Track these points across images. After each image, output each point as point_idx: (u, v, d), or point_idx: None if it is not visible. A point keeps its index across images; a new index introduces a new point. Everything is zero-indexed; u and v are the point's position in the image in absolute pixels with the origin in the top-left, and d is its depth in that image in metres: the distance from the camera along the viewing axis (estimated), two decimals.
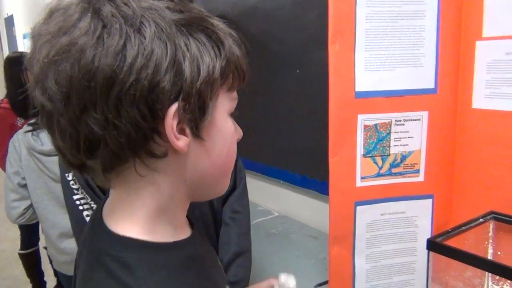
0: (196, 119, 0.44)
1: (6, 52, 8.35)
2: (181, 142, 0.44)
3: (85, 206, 0.87)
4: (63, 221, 1.63)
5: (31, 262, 2.60)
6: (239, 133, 0.53)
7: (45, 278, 2.69)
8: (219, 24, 0.47)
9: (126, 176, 0.45)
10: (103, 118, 0.40)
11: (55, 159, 1.64)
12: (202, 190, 0.52)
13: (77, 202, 0.88)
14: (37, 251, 2.60)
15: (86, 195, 0.87)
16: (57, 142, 0.44)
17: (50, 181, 1.65)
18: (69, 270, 1.75)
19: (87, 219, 0.87)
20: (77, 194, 0.88)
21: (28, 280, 2.65)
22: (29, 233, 2.52)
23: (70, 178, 0.88)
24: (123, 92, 0.40)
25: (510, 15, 0.97)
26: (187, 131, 0.44)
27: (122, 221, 0.47)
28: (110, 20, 0.40)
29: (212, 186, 0.52)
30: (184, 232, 0.52)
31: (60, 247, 1.68)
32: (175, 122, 0.42)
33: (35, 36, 0.43)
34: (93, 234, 0.49)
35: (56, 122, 0.42)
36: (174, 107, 0.42)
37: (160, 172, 0.45)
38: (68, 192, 0.89)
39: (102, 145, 0.42)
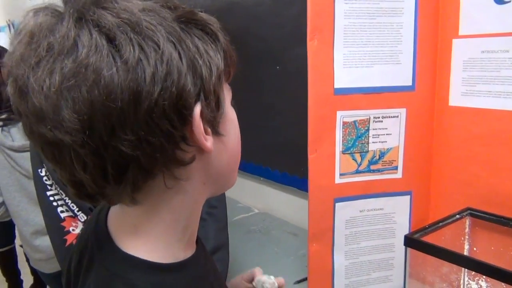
0: (215, 116, 0.44)
1: None
2: (209, 142, 0.43)
3: (59, 202, 0.85)
4: (36, 218, 1.59)
5: (7, 261, 2.54)
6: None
7: (22, 277, 2.64)
8: (202, 14, 0.45)
9: (151, 191, 0.43)
10: (135, 138, 0.37)
11: (27, 155, 1.59)
12: (218, 186, 0.51)
13: (51, 198, 0.85)
14: (13, 249, 2.53)
15: (60, 191, 0.85)
16: (73, 177, 0.40)
17: (22, 177, 1.61)
18: (45, 268, 1.71)
19: (62, 215, 0.85)
20: (50, 190, 0.86)
21: (3, 279, 2.59)
22: (4, 231, 2.45)
23: (43, 173, 0.86)
24: (153, 105, 0.37)
25: (485, 14, 0.98)
26: (209, 130, 0.43)
27: (136, 239, 0.45)
28: (114, 32, 0.36)
29: (228, 180, 0.51)
30: (191, 247, 0.51)
31: (34, 244, 1.64)
32: (201, 123, 0.41)
33: (17, 63, 0.37)
34: (99, 250, 0.47)
35: (74, 154, 0.38)
36: (198, 108, 0.40)
37: (186, 180, 0.44)
38: (41, 188, 0.87)
39: (132, 166, 0.39)
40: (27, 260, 2.49)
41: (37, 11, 0.39)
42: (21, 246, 2.56)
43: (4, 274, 2.58)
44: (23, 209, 1.63)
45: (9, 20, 5.56)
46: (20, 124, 1.60)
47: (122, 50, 0.36)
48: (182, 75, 0.38)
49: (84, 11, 0.37)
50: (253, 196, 1.99)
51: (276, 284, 0.78)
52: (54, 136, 0.37)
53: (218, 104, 0.44)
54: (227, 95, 0.47)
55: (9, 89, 0.39)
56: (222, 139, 0.46)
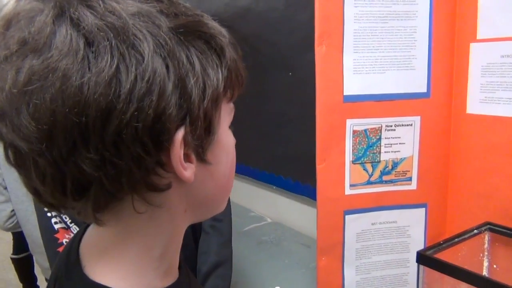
0: (202, 143, 0.38)
1: None
2: (188, 171, 0.37)
3: (53, 213, 0.83)
4: None
5: (24, 267, 2.57)
6: (233, 141, 0.47)
7: (38, 283, 2.66)
8: (213, 24, 0.40)
9: (119, 213, 0.38)
10: (98, 158, 0.33)
11: None
12: (203, 213, 0.46)
13: (45, 209, 0.84)
14: (30, 256, 2.56)
15: None
16: (33, 183, 0.36)
17: None
18: None
19: (55, 226, 0.83)
20: None
21: (21, 285, 2.62)
22: (21, 238, 2.48)
23: None
24: (123, 125, 0.32)
25: (505, 16, 0.92)
26: (193, 157, 0.38)
27: (106, 265, 0.40)
28: (96, 35, 0.32)
29: (215, 208, 0.46)
30: (172, 274, 0.45)
31: (42, 250, 1.64)
32: (182, 151, 0.36)
33: None
34: (67, 278, 0.42)
35: (33, 162, 0.34)
36: (180, 134, 0.35)
37: (161, 207, 0.39)
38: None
39: (94, 186, 0.34)
40: None
41: None
42: None
43: (21, 280, 2.62)
44: (32, 213, 1.63)
45: None
46: None
47: (99, 57, 0.31)
48: (165, 95, 0.33)
49: (66, 6, 0.33)
50: (265, 205, 1.95)
51: None
52: (12, 140, 0.33)
53: (208, 130, 0.38)
54: (224, 118, 0.42)
55: None
56: (209, 168, 0.41)
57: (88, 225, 0.46)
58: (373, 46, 0.98)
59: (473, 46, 0.99)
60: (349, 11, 0.96)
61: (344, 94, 0.99)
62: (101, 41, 0.32)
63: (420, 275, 0.90)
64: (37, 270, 2.66)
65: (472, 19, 0.98)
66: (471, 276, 0.81)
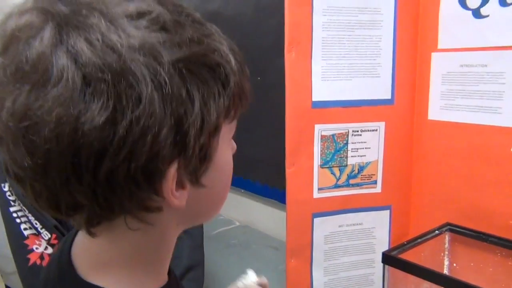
0: (196, 170, 0.38)
1: None
2: (179, 199, 0.38)
3: (23, 219, 0.82)
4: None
5: None
6: (234, 148, 0.47)
7: None
8: (221, 46, 0.38)
9: (112, 228, 0.39)
10: (90, 191, 0.34)
11: None
12: (193, 224, 0.47)
13: (14, 215, 0.82)
14: None
15: (23, 207, 0.81)
16: (29, 198, 0.37)
17: None
18: (19, 284, 1.66)
19: (25, 232, 0.81)
20: (13, 205, 0.82)
21: None
22: None
23: (6, 188, 0.82)
24: (116, 166, 0.33)
25: (464, 28, 0.97)
26: (186, 183, 0.38)
27: (99, 269, 0.41)
28: (93, 75, 0.31)
29: (205, 219, 0.48)
30: (161, 279, 0.47)
31: (4, 253, 1.60)
32: (174, 183, 0.36)
33: None
34: (60, 281, 0.43)
35: (29, 183, 0.35)
36: (173, 169, 0.35)
37: (153, 224, 0.40)
38: (4, 203, 0.83)
39: (87, 209, 0.36)
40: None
41: (25, 10, 0.34)
42: None
43: None
44: None
45: None
46: None
47: (95, 100, 0.31)
48: (159, 138, 0.33)
49: (64, 35, 0.32)
50: (234, 209, 1.96)
51: (253, 278, 0.75)
52: (10, 165, 0.35)
53: (204, 158, 0.38)
54: (223, 138, 0.41)
55: None
56: (204, 191, 0.41)
57: (77, 230, 0.46)
58: (341, 54, 1.01)
59: (434, 56, 1.03)
60: (318, 20, 0.99)
61: (313, 100, 1.01)
62: (98, 82, 0.31)
63: (386, 275, 0.94)
64: None
65: (434, 29, 1.02)
66: (433, 275, 0.85)
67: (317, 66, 1.00)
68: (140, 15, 0.34)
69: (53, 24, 0.32)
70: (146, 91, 0.32)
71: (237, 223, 1.88)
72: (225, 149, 0.43)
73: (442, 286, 0.87)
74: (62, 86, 0.31)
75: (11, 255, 1.59)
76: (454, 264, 1.04)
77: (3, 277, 1.70)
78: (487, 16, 0.94)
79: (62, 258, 0.44)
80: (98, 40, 0.32)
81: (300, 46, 0.99)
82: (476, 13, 0.95)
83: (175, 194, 0.37)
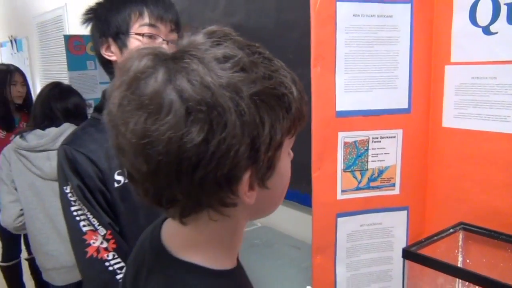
0: (264, 176, 0.49)
1: None
2: (250, 198, 0.48)
3: (82, 217, 0.91)
4: (47, 224, 1.69)
5: (13, 275, 2.59)
6: (291, 156, 0.56)
7: None
8: (285, 79, 0.48)
9: (198, 218, 0.50)
10: (186, 190, 0.45)
11: (41, 155, 1.69)
12: (259, 216, 0.58)
13: (74, 213, 0.92)
14: (19, 263, 2.58)
15: (83, 206, 0.92)
16: (138, 194, 0.49)
17: (37, 179, 1.70)
18: (57, 279, 1.77)
19: (84, 228, 0.91)
20: (74, 205, 0.92)
21: None
22: (11, 245, 2.51)
23: (68, 190, 0.92)
24: (206, 173, 0.43)
25: (475, 43, 1.06)
26: (255, 186, 0.48)
27: (189, 251, 0.52)
28: (192, 106, 0.41)
29: (269, 213, 0.58)
30: (234, 260, 0.58)
31: (47, 250, 1.72)
32: (247, 186, 0.47)
33: (116, 102, 0.45)
34: (158, 262, 0.54)
35: (141, 184, 0.47)
36: (246, 176, 0.46)
37: (230, 216, 0.50)
38: (66, 204, 0.93)
39: (181, 203, 0.47)
40: (33, 273, 2.55)
41: (143, 55, 0.45)
42: (26, 259, 2.62)
43: None
44: (40, 212, 1.71)
45: (11, 36, 5.65)
46: (34, 131, 1.71)
47: (193, 126, 0.41)
48: (238, 154, 0.43)
49: (173, 76, 0.42)
50: None
51: None
52: (128, 170, 0.46)
53: (269, 167, 0.49)
54: (285, 150, 0.51)
55: (104, 113, 0.48)
56: (267, 192, 0.51)
57: (162, 221, 0.59)
58: (362, 68, 1.11)
59: (448, 68, 1.13)
60: (341, 37, 1.08)
61: (337, 110, 1.11)
62: (197, 113, 0.42)
63: (406, 270, 1.03)
64: (26, 278, 2.68)
65: (447, 44, 1.12)
66: (449, 268, 0.93)
67: (340, 79, 1.10)
68: (226, 59, 0.44)
69: (164, 68, 0.44)
70: (231, 118, 0.42)
71: (259, 224, 1.98)
72: (285, 159, 0.53)
73: (458, 278, 0.95)
74: (172, 115, 0.42)
75: (51, 253, 1.71)
76: (468, 260, 1.13)
77: (43, 273, 1.82)
78: (496, 33, 1.03)
79: (155, 245, 0.56)
80: (197, 81, 0.42)
81: (324, 61, 1.09)
82: (486, 30, 1.05)
83: (247, 194, 0.48)
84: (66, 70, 2.82)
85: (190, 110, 0.42)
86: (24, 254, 2.61)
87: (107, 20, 0.94)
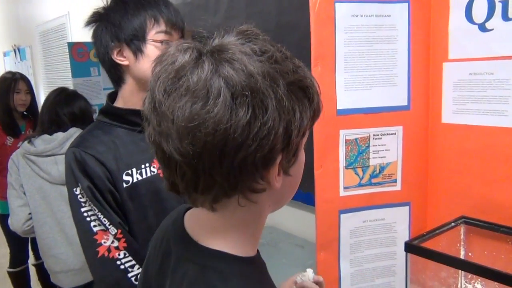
0: (289, 163, 0.52)
1: None
2: (279, 183, 0.51)
3: (92, 218, 0.93)
4: (55, 228, 1.72)
5: (20, 281, 2.61)
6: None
7: None
8: (308, 74, 0.52)
9: (227, 205, 0.52)
10: (226, 172, 0.47)
11: (49, 159, 1.71)
12: (279, 206, 0.59)
13: (85, 214, 0.93)
14: (26, 269, 2.60)
15: (93, 207, 0.93)
16: (172, 178, 0.51)
17: (45, 183, 1.72)
18: (65, 282, 1.79)
19: (94, 229, 0.93)
20: (84, 206, 0.94)
21: None
22: (19, 251, 2.53)
23: (77, 192, 0.94)
24: (247, 154, 0.46)
25: (471, 40, 1.09)
26: (281, 172, 0.51)
27: (216, 239, 0.54)
28: (238, 92, 0.45)
29: (286, 202, 0.60)
30: (256, 246, 0.59)
31: (56, 253, 1.75)
32: (277, 170, 0.50)
33: (160, 91, 0.47)
34: (186, 250, 0.56)
35: (179, 167, 0.48)
36: (279, 159, 0.49)
37: (256, 202, 0.52)
38: (76, 205, 0.94)
39: (217, 187, 0.49)
40: (40, 279, 2.57)
41: (185, 49, 0.49)
42: (33, 265, 2.64)
43: None
44: (48, 216, 1.73)
45: (14, 45, 5.70)
46: (42, 136, 1.74)
47: (239, 109, 0.45)
48: (277, 136, 0.46)
49: (219, 64, 0.46)
50: None
51: (310, 275, 0.87)
52: (170, 152, 0.48)
53: (295, 154, 0.52)
54: (304, 141, 0.54)
55: (146, 104, 0.50)
56: (289, 178, 0.54)
57: (183, 213, 0.61)
58: (361, 66, 1.13)
59: (446, 65, 1.15)
60: (340, 37, 1.11)
61: (337, 108, 1.13)
62: (241, 97, 0.45)
63: (408, 263, 1.05)
64: (33, 283, 2.71)
65: (444, 42, 1.14)
66: (452, 260, 0.95)
67: (341, 78, 1.13)
68: (262, 52, 0.48)
69: (209, 59, 0.47)
70: (271, 103, 0.46)
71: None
72: (302, 149, 0.57)
73: (462, 270, 0.97)
74: (220, 100, 0.45)
75: (59, 256, 1.74)
76: (470, 253, 1.14)
77: (51, 276, 1.84)
78: (492, 29, 1.05)
79: (179, 235, 0.58)
80: (241, 69, 0.46)
81: (325, 60, 1.11)
82: (482, 27, 1.07)
83: (277, 178, 0.51)
84: (70, 77, 2.86)
85: (236, 96, 0.45)
86: (31, 260, 2.63)
87: (121, 25, 0.95)
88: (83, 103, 1.82)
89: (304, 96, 0.50)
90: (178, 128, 0.46)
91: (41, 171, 1.71)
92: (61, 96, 1.79)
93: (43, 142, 1.72)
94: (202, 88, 0.46)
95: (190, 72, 0.47)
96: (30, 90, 2.57)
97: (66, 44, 2.99)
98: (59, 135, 1.72)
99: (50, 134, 1.74)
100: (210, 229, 0.55)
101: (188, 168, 0.48)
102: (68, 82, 3.16)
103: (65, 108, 1.76)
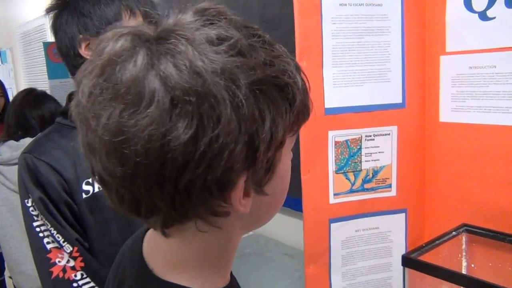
0: (261, 181, 0.42)
1: None
2: (245, 206, 0.41)
3: (45, 233, 0.83)
4: (24, 241, 1.59)
5: None
6: (291, 156, 0.49)
7: None
8: (289, 67, 0.41)
9: (184, 229, 0.43)
10: (169, 198, 0.37)
11: (15, 168, 1.60)
12: (254, 227, 0.50)
13: (37, 229, 0.83)
14: (3, 282, 2.49)
15: (46, 222, 0.83)
16: (112, 201, 0.41)
17: (12, 194, 1.61)
18: None
19: (48, 246, 0.83)
20: (36, 220, 0.84)
21: None
22: None
23: (29, 204, 0.84)
24: (194, 178, 0.36)
25: (471, 30, 0.99)
26: (251, 191, 0.42)
27: (173, 268, 0.45)
28: (180, 97, 0.34)
29: (264, 222, 0.50)
30: (226, 278, 0.50)
31: (24, 270, 1.63)
32: (241, 193, 0.40)
33: (86, 92, 0.37)
34: (138, 281, 0.47)
35: (115, 189, 0.39)
36: (242, 180, 0.39)
37: (221, 227, 0.43)
38: (27, 219, 0.84)
39: (163, 212, 0.39)
40: None
41: (118, 35, 0.38)
42: (10, 277, 2.51)
43: None
44: (16, 229, 1.61)
45: None
46: (8, 142, 1.61)
47: (180, 120, 0.34)
48: (234, 154, 0.36)
49: (156, 60, 0.35)
50: None
51: None
52: (100, 172, 0.38)
53: (268, 169, 0.41)
54: (286, 150, 0.44)
55: (72, 107, 0.39)
56: (265, 198, 0.44)
57: (144, 232, 0.51)
58: (351, 61, 1.03)
59: (443, 59, 1.05)
60: (327, 28, 1.01)
61: (325, 107, 1.03)
62: (184, 104, 0.34)
63: (406, 278, 0.95)
64: None
65: (441, 33, 1.04)
66: (453, 275, 0.85)
67: (328, 73, 1.02)
68: (220, 40, 0.37)
69: (145, 50, 0.36)
70: (225, 112, 0.35)
71: (250, 232, 1.89)
72: (286, 160, 0.45)
73: (462, 286, 0.88)
74: (153, 107, 0.34)
75: (29, 272, 1.62)
76: (472, 265, 1.05)
77: None
78: (494, 18, 0.96)
79: (136, 261, 0.48)
80: (185, 65, 0.35)
81: (310, 54, 1.01)
82: (483, 16, 0.97)
83: (241, 202, 0.40)
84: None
85: (176, 101, 0.34)
86: (7, 273, 2.51)
87: (91, 14, 0.85)
88: (54, 106, 1.70)
89: (280, 96, 0.39)
90: (103, 143, 0.36)
91: (7, 180, 1.59)
92: (29, 97, 1.66)
93: (9, 149, 1.60)
94: (133, 90, 0.34)
95: (120, 67, 0.36)
96: (4, 94, 2.46)
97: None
98: (27, 141, 1.60)
99: (17, 140, 1.61)
100: (168, 256, 0.45)
101: (123, 190, 0.38)
102: (47, 84, 3.04)
103: (34, 110, 1.64)
